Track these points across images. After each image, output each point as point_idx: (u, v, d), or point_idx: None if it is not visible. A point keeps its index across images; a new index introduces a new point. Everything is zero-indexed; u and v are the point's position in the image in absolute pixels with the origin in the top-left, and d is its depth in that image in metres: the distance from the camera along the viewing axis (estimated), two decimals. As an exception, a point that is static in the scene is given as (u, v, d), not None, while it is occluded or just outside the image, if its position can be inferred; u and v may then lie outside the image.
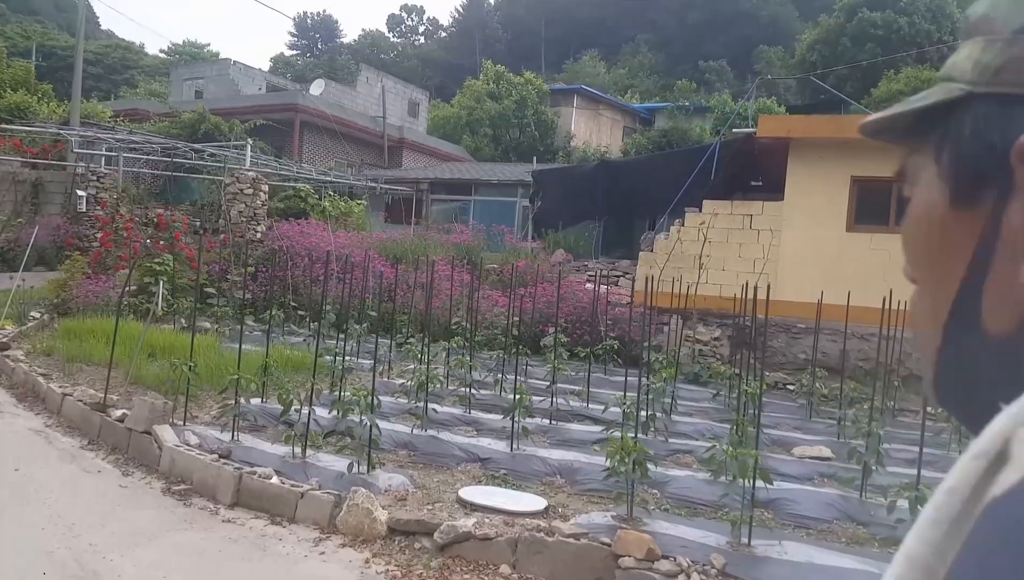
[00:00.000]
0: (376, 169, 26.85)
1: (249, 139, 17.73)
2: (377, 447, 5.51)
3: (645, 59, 61.37)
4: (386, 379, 9.52)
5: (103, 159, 18.03)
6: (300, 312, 13.86)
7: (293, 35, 72.34)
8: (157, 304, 10.89)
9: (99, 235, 16.77)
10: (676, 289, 9.84)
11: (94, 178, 17.18)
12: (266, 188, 16.24)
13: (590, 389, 8.26)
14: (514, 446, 5.89)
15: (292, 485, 5.03)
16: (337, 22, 72.18)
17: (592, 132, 34.49)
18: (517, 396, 5.97)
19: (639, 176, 13.42)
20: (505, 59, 60.47)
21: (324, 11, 75.33)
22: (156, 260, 13.48)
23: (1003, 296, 0.48)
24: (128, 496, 5.35)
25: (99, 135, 17.71)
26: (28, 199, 18.00)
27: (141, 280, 13.31)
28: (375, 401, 5.69)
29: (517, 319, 10.65)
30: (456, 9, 68.81)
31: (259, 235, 15.78)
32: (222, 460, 5.49)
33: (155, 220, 13.90)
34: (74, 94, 19.98)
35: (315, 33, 72.10)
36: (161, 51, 54.87)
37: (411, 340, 10.95)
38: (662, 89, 54.49)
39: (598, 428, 6.59)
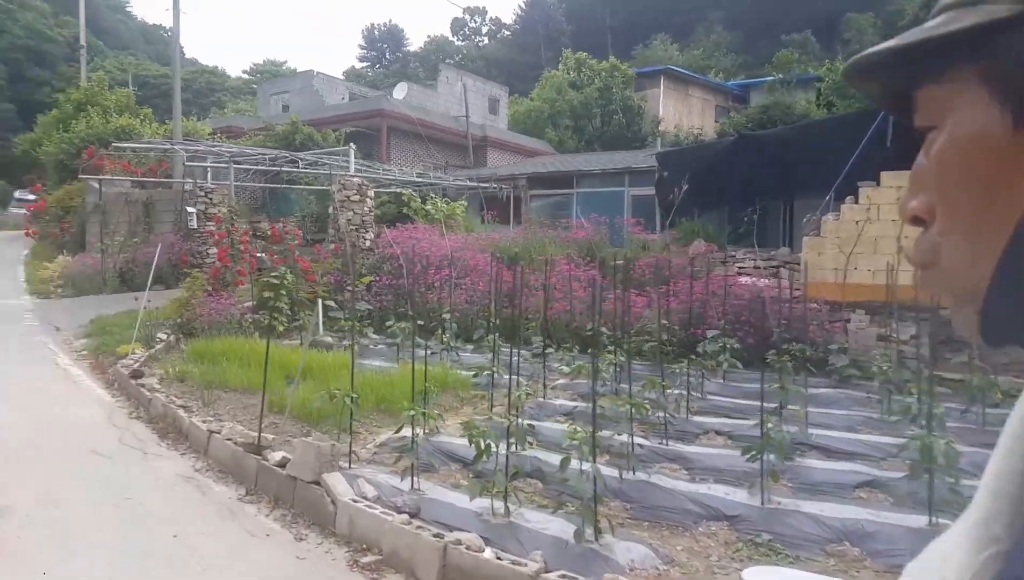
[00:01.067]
0: (461, 169, 25.90)
1: (352, 144, 16.91)
2: (599, 502, 4.33)
3: (720, 38, 58.63)
4: (542, 399, 8.37)
5: (208, 174, 17.53)
6: (419, 322, 12.89)
7: (362, 47, 72.41)
8: (317, 324, 10.08)
9: (212, 250, 16.25)
10: (858, 278, 8.36)
11: (202, 194, 16.67)
12: (372, 193, 15.38)
13: (799, 408, 6.76)
14: (764, 497, 4.60)
15: (513, 562, 3.89)
16: (403, 31, 71.93)
17: (682, 115, 32.68)
18: (764, 427, 4.66)
19: (789, 150, 11.77)
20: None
21: (390, 21, 75.12)
22: (273, 274, 12.74)
23: None
24: (309, 572, 4.34)
25: (209, 148, 17.17)
26: (141, 219, 17.66)
27: (260, 295, 12.59)
28: (525, 428, 4.52)
29: (664, 322, 9.38)
30: (519, 6, 67.42)
31: (368, 243, 14.93)
32: (414, 523, 4.42)
33: (268, 233, 13.19)
34: (175, 111, 19.61)
35: (383, 43, 71.95)
36: (244, 71, 55.44)
37: (550, 350, 9.80)
38: (741, 67, 51.89)
39: (847, 466, 5.25)
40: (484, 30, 70.41)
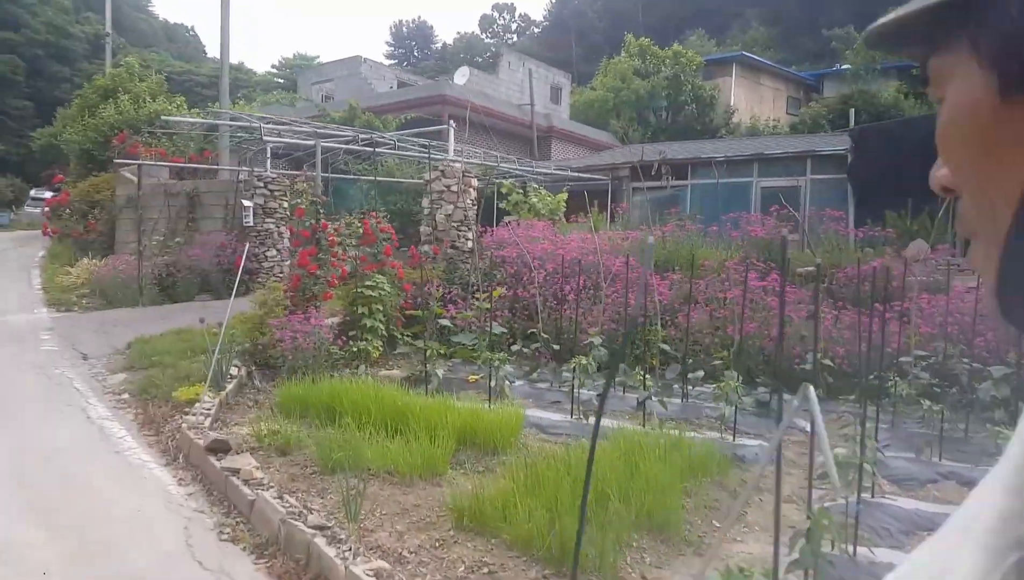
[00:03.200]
0: (525, 160, 22.66)
1: (452, 123, 13.58)
2: None
3: (757, 34, 55.30)
4: (867, 497, 5.02)
5: (268, 161, 14.19)
6: (554, 345, 9.50)
7: (390, 44, 69.21)
8: (502, 385, 6.82)
9: (272, 253, 12.94)
10: None
11: (260, 184, 13.33)
12: (476, 183, 12.04)
13: None
14: None
15: None
16: (432, 27, 68.60)
17: (753, 105, 29.29)
18: None
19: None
20: (602, 49, 55.55)
21: (419, 17, 71.95)
22: (367, 283, 9.44)
23: None
24: None
25: (288, 124, 13.80)
26: (184, 214, 14.33)
27: (353, 310, 9.31)
28: None
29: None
30: (549, 2, 64.15)
31: (470, 243, 11.58)
32: None
33: (358, 231, 9.91)
34: (222, 83, 16.29)
35: (411, 40, 68.79)
36: (272, 66, 52.23)
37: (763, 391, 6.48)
38: (781, 63, 48.70)
39: None
40: (513, 27, 67.13)
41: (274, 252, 13.54)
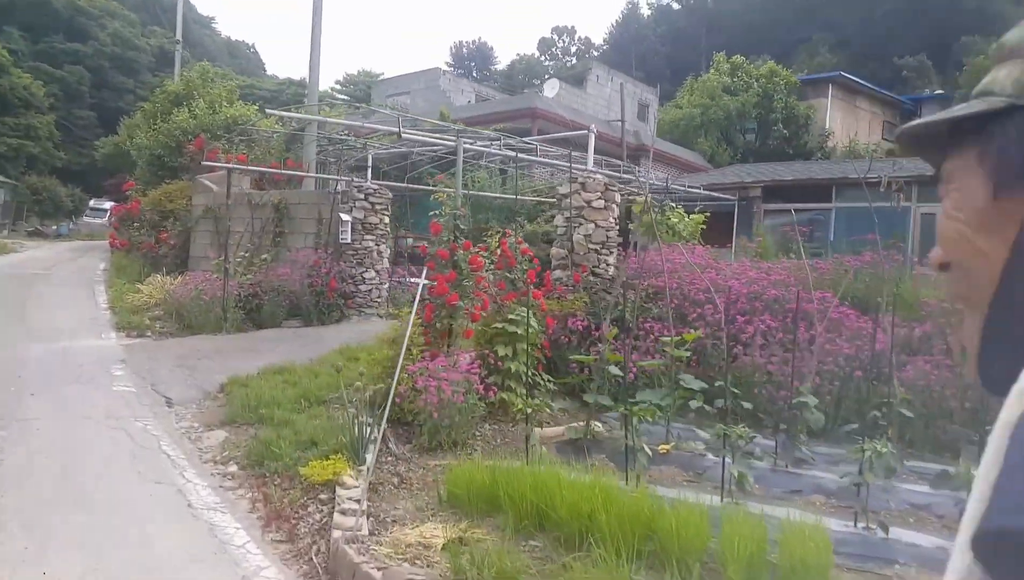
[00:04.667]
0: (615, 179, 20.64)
1: (594, 128, 11.61)
2: None
3: (825, 60, 52.76)
4: None
5: (369, 171, 12.34)
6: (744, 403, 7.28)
7: (449, 64, 68.06)
8: (744, 479, 4.72)
9: (370, 274, 11.05)
10: None
11: (361, 196, 11.46)
12: (619, 199, 10.01)
13: None
14: None
15: None
16: (492, 48, 67.43)
17: (848, 128, 26.91)
18: None
19: None
20: (662, 73, 53.49)
21: (479, 38, 70.86)
22: (510, 316, 7.43)
23: None
24: None
25: (422, 133, 11.86)
26: (269, 228, 12.52)
27: (489, 350, 7.32)
28: None
29: None
30: (612, 24, 62.46)
31: (611, 269, 9.52)
32: None
33: (496, 250, 7.91)
34: (311, 77, 14.57)
35: (470, 61, 67.62)
36: (336, 81, 51.20)
37: None
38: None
39: None
40: (573, 50, 65.54)
41: (372, 273, 11.63)
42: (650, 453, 5.21)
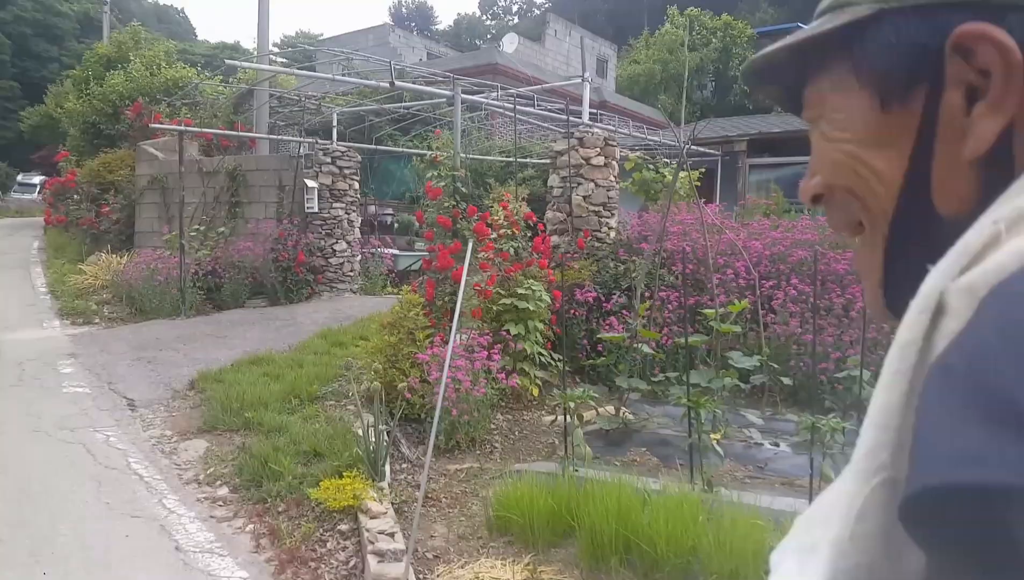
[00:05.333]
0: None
1: (587, 74, 10.59)
2: None
3: (766, 15, 52.50)
4: None
5: (334, 132, 11.08)
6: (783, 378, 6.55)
7: (389, 25, 65.42)
8: None
9: (340, 246, 10.01)
10: None
11: (328, 160, 10.27)
12: (618, 155, 9.11)
13: None
14: None
15: None
16: (432, 8, 64.88)
17: (806, 82, 26.46)
18: None
19: None
20: (605, 31, 52.35)
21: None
22: (519, 291, 6.55)
23: (950, 175, 0.49)
24: None
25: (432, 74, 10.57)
26: (224, 198, 11.20)
27: (498, 327, 6.45)
28: None
29: None
30: (554, -18, 60.66)
31: (612, 233, 8.68)
32: None
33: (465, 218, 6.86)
34: (260, 52, 13.14)
35: (410, 22, 65.03)
36: (274, 44, 48.31)
37: None
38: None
39: None
40: (515, 9, 63.67)
41: (343, 245, 10.51)
42: (721, 451, 4.40)
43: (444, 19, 78.06)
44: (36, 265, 12.88)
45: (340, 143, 11.01)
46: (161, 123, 12.15)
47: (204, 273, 9.68)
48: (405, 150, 13.37)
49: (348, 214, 10.51)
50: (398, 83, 7.90)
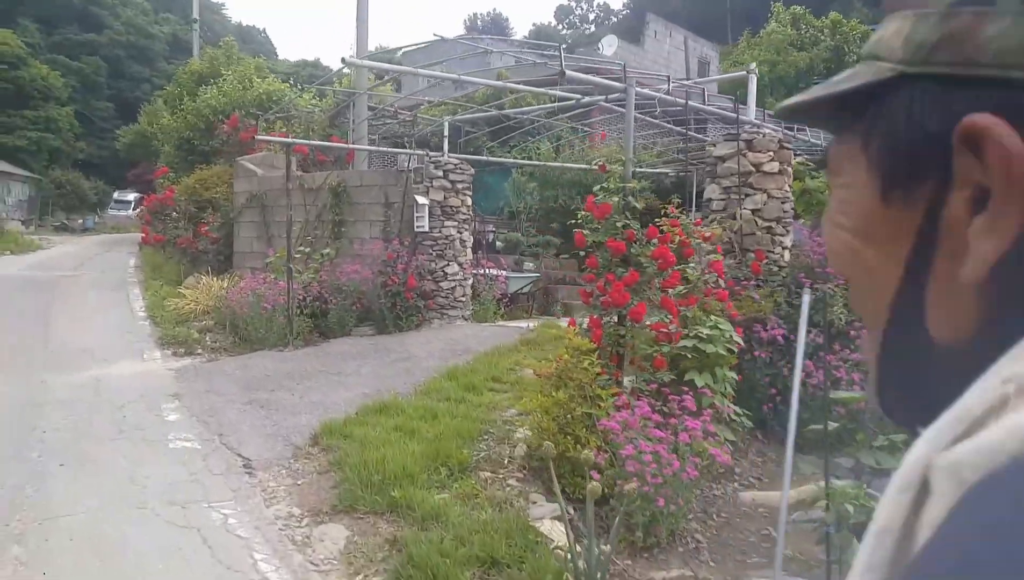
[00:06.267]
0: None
1: (753, 67, 9.36)
2: None
3: (863, 15, 49.77)
4: None
5: (445, 142, 10.13)
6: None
7: (474, 35, 65.42)
8: None
9: (452, 269, 9.02)
10: None
11: (439, 173, 9.27)
12: (794, 161, 7.76)
13: None
14: None
15: None
16: (507, 19, 64.51)
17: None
18: None
19: None
20: (701, 33, 50.52)
21: (494, 10, 68.01)
22: (703, 331, 5.27)
23: (946, 298, 0.40)
24: None
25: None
26: (327, 217, 10.37)
27: (674, 376, 5.19)
28: None
29: None
30: (631, -12, 59.27)
31: (787, 254, 7.29)
32: None
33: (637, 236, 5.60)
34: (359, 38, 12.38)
35: (485, 34, 64.81)
36: (342, 59, 48.73)
37: None
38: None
39: None
40: (591, 16, 62.51)
41: (455, 268, 9.47)
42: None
43: (519, 29, 77.55)
44: (134, 285, 12.40)
45: (452, 155, 10.02)
46: (257, 136, 11.46)
47: (311, 299, 8.80)
48: (519, 161, 12.31)
49: (460, 233, 9.47)
50: (570, 72, 6.79)
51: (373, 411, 5.72)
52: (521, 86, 9.96)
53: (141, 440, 5.30)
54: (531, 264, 11.69)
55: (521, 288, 10.72)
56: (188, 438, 5.39)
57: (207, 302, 9.38)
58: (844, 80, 0.46)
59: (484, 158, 11.84)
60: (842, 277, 0.49)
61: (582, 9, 62.11)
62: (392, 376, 6.98)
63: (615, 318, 5.02)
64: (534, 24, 71.05)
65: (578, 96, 9.66)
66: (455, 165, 9.42)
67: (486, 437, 5.08)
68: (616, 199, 5.11)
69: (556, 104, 11.06)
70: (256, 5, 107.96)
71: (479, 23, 63.20)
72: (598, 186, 5.20)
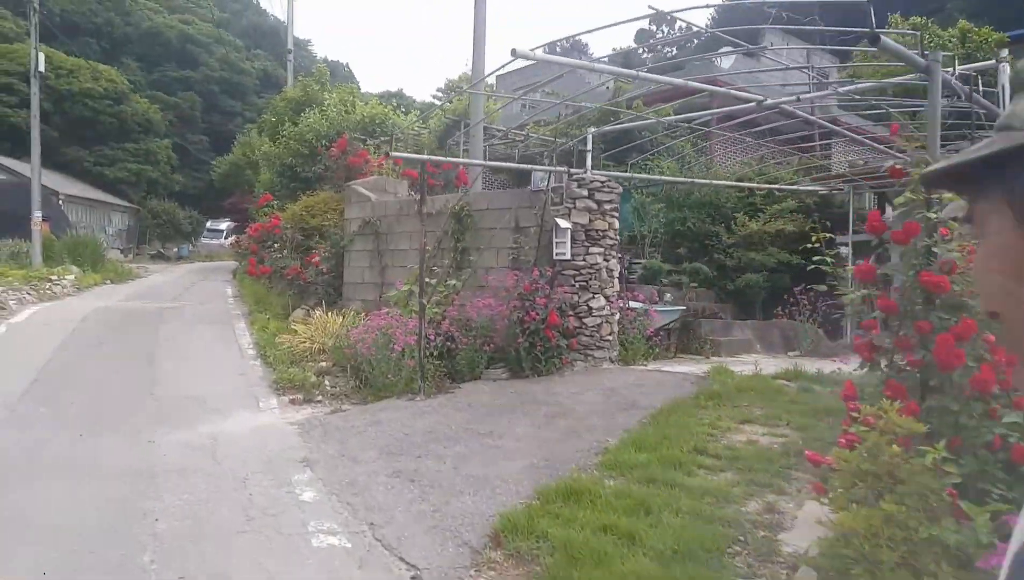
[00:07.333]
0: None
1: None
2: None
3: (955, 7, 46.47)
4: None
5: (589, 159, 8.88)
6: None
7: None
8: None
9: (598, 303, 7.67)
10: None
11: (583, 193, 7.97)
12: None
13: None
14: None
15: None
16: (587, 45, 63.51)
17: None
18: None
19: None
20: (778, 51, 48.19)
21: (573, 36, 67.26)
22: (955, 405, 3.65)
23: None
24: None
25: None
26: (448, 244, 9.23)
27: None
28: None
29: None
30: (715, 10, 57.42)
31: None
32: None
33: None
34: (475, 75, 11.35)
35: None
36: (438, 89, 48.73)
37: None
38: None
39: None
40: (674, 38, 60.90)
41: (601, 301, 8.12)
42: None
43: (598, 53, 76.63)
44: (238, 318, 11.58)
45: (596, 172, 8.73)
46: (368, 160, 10.47)
47: (441, 338, 7.61)
48: (665, 178, 10.93)
49: (607, 261, 8.13)
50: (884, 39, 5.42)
51: (558, 495, 4.37)
52: (703, 85, 8.68)
53: (276, 533, 4.11)
54: (670, 295, 10.23)
55: (666, 323, 9.27)
56: (333, 530, 4.17)
57: (323, 340, 8.32)
58: (983, 147, 0.51)
59: (630, 175, 10.48)
60: (994, 317, 0.52)
61: (663, 32, 60.62)
62: (556, 440, 5.65)
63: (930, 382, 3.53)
64: (614, 48, 69.97)
65: (760, 98, 8.27)
66: (602, 183, 8.11)
67: (738, 548, 3.66)
68: (921, 214, 3.65)
69: (716, 111, 9.68)
70: (340, 41, 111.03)
71: (558, 49, 62.57)
72: (899, 198, 3.75)
